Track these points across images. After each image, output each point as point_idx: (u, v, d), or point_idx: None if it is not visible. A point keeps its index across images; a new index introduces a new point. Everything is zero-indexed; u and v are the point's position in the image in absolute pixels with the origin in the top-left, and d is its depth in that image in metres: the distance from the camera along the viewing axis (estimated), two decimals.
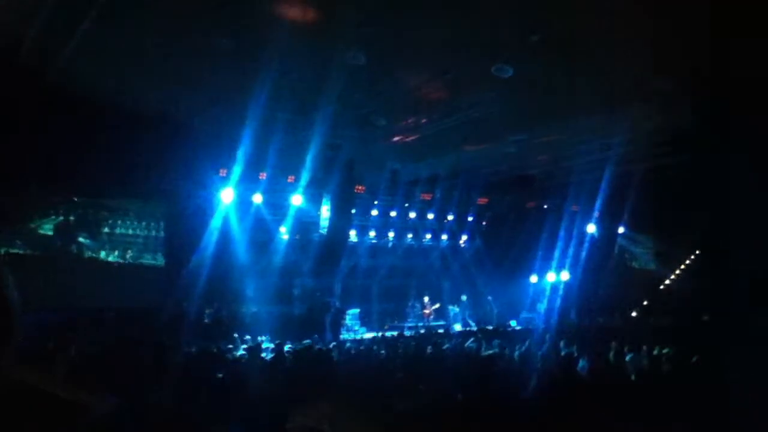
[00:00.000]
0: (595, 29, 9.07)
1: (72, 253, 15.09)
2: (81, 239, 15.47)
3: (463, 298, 20.18)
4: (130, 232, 15.99)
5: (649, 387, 7.59)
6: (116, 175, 12.51)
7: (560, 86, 11.31)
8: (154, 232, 16.01)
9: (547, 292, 20.94)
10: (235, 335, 12.60)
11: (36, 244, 14.59)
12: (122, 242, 15.86)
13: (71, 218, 15.46)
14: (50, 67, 9.59)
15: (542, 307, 19.90)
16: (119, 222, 16.00)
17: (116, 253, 15.77)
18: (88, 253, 15.39)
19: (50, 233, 15.16)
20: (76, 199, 15.37)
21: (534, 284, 21.26)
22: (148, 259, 15.85)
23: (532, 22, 9.10)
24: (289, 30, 8.76)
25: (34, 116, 10.14)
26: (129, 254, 15.77)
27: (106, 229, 15.75)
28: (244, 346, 12.14)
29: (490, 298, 20.54)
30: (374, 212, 19.16)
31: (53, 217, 15.35)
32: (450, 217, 20.62)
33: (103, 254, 15.59)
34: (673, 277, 23.41)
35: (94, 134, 11.09)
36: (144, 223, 16.11)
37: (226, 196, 14.08)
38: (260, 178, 14.62)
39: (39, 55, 9.44)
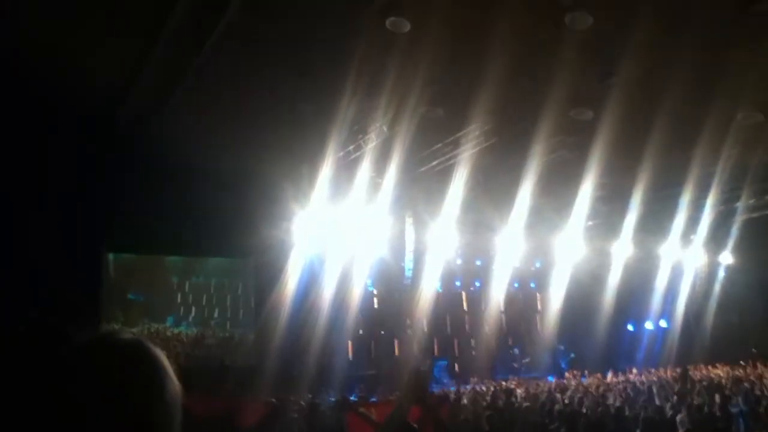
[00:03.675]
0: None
1: None
2: None
3: (560, 347, 19.37)
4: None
5: None
6: (207, 233, 12.93)
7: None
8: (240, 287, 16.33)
9: (645, 340, 19.83)
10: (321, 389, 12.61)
11: None
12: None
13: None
14: (145, 134, 10.27)
15: (639, 356, 18.82)
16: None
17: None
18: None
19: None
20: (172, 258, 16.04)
21: (630, 332, 20.21)
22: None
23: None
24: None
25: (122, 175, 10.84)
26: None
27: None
28: (332, 399, 12.09)
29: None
30: (458, 261, 18.84)
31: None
32: (537, 264, 20.01)
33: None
34: None
35: (187, 194, 11.65)
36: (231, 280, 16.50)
37: (309, 249, 14.27)
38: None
39: (135, 123, 10.15)
